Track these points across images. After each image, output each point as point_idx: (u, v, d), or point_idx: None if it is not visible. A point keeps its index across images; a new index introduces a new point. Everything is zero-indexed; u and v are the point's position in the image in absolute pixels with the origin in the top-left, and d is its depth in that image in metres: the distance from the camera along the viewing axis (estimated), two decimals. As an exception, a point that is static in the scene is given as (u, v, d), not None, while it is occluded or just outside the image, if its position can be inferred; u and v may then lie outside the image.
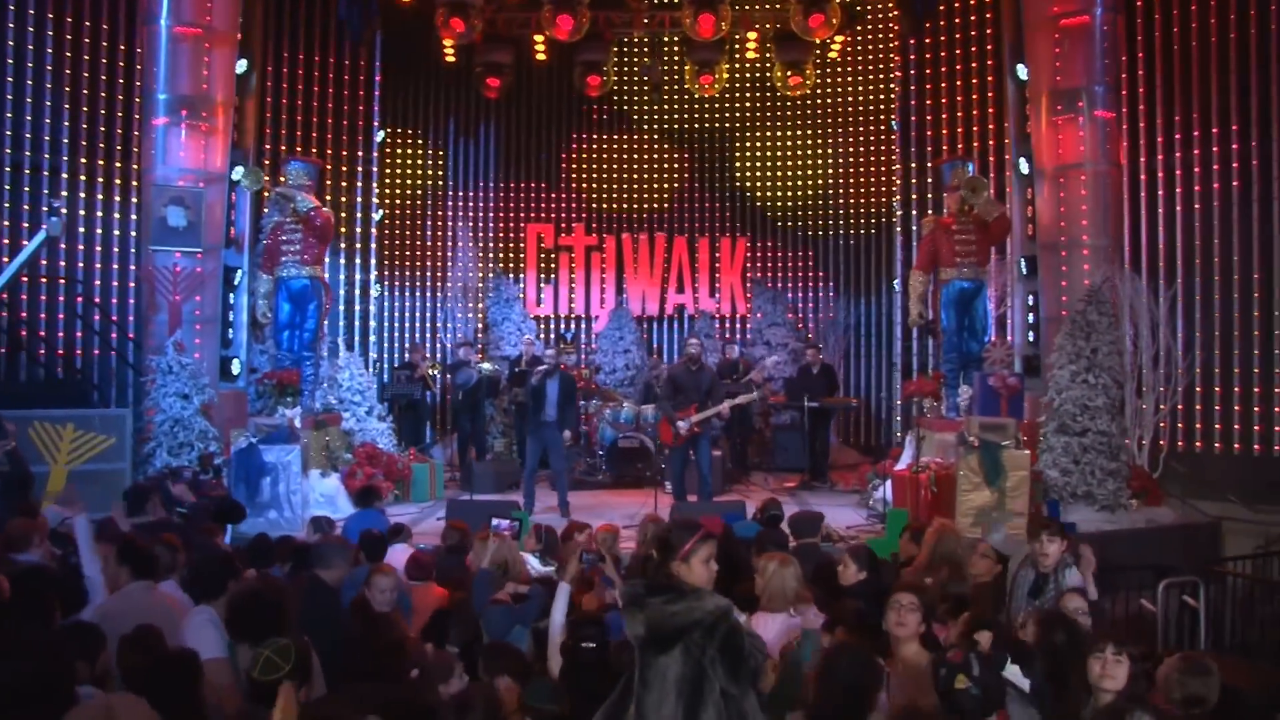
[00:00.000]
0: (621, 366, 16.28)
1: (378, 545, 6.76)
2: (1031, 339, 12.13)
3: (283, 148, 14.17)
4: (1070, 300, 11.52)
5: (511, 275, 16.92)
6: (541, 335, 16.61)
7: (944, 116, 14.79)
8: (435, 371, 14.30)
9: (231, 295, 12.13)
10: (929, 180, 14.78)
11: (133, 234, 12.58)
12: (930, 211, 13.96)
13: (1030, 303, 12.15)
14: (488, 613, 5.70)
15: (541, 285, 17.15)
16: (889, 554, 8.91)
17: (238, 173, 11.87)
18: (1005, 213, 11.79)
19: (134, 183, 12.41)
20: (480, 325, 16.74)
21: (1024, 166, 12.11)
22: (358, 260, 15.27)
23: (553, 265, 17.17)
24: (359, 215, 15.21)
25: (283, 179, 11.83)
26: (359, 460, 11.21)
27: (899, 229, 15.26)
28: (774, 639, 5.08)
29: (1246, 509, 10.86)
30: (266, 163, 13.33)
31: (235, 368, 12.02)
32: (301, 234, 11.50)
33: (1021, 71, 12.10)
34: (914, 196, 15.04)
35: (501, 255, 17.13)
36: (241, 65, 12.00)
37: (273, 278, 11.66)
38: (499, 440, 15.30)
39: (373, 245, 15.43)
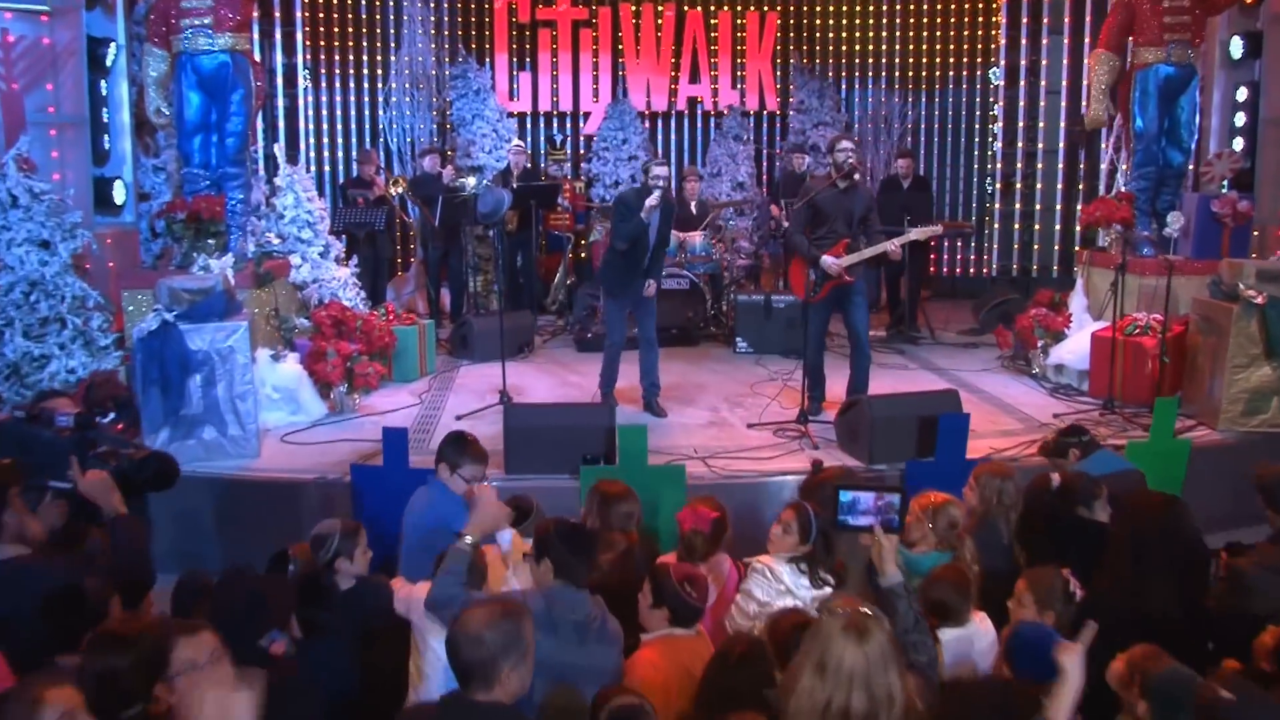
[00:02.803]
0: (626, 178, 12.63)
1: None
2: (1239, 147, 8.93)
3: None
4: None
5: (476, 60, 12.87)
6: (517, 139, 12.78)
7: None
8: (398, 190, 10.43)
9: (104, 82, 8.05)
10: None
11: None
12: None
13: (1242, 98, 8.90)
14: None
15: (515, 72, 13.16)
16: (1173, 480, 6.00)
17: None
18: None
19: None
20: (437, 126, 12.79)
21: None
22: (278, 37, 11.08)
23: (529, 46, 13.15)
24: (275, -28, 10.94)
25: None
26: (324, 329, 7.57)
27: (1002, -4, 11.70)
28: None
29: None
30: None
31: (119, 194, 8.07)
32: (213, -16, 7.43)
33: None
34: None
35: (463, 32, 13.01)
36: None
37: (170, 54, 7.61)
38: (475, 280, 11.76)
39: (298, 16, 11.20)
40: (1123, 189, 8.80)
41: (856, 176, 6.81)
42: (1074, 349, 8.14)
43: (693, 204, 10.80)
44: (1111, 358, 7.56)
